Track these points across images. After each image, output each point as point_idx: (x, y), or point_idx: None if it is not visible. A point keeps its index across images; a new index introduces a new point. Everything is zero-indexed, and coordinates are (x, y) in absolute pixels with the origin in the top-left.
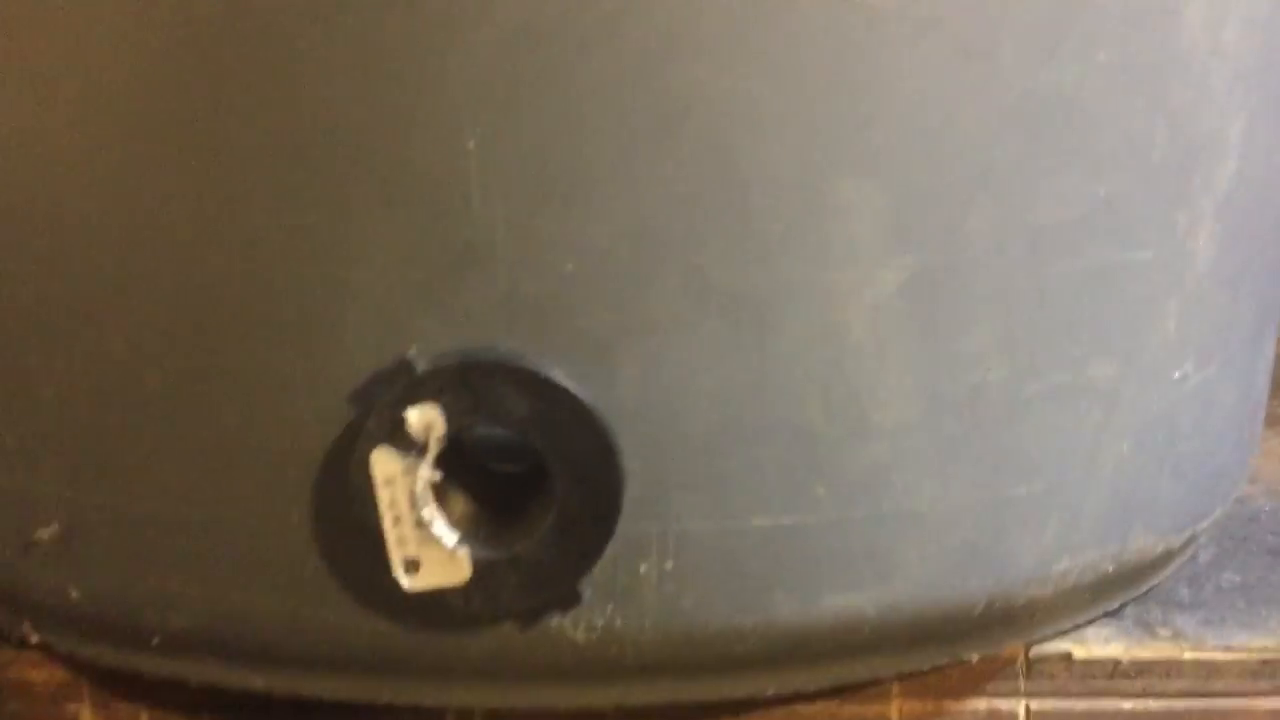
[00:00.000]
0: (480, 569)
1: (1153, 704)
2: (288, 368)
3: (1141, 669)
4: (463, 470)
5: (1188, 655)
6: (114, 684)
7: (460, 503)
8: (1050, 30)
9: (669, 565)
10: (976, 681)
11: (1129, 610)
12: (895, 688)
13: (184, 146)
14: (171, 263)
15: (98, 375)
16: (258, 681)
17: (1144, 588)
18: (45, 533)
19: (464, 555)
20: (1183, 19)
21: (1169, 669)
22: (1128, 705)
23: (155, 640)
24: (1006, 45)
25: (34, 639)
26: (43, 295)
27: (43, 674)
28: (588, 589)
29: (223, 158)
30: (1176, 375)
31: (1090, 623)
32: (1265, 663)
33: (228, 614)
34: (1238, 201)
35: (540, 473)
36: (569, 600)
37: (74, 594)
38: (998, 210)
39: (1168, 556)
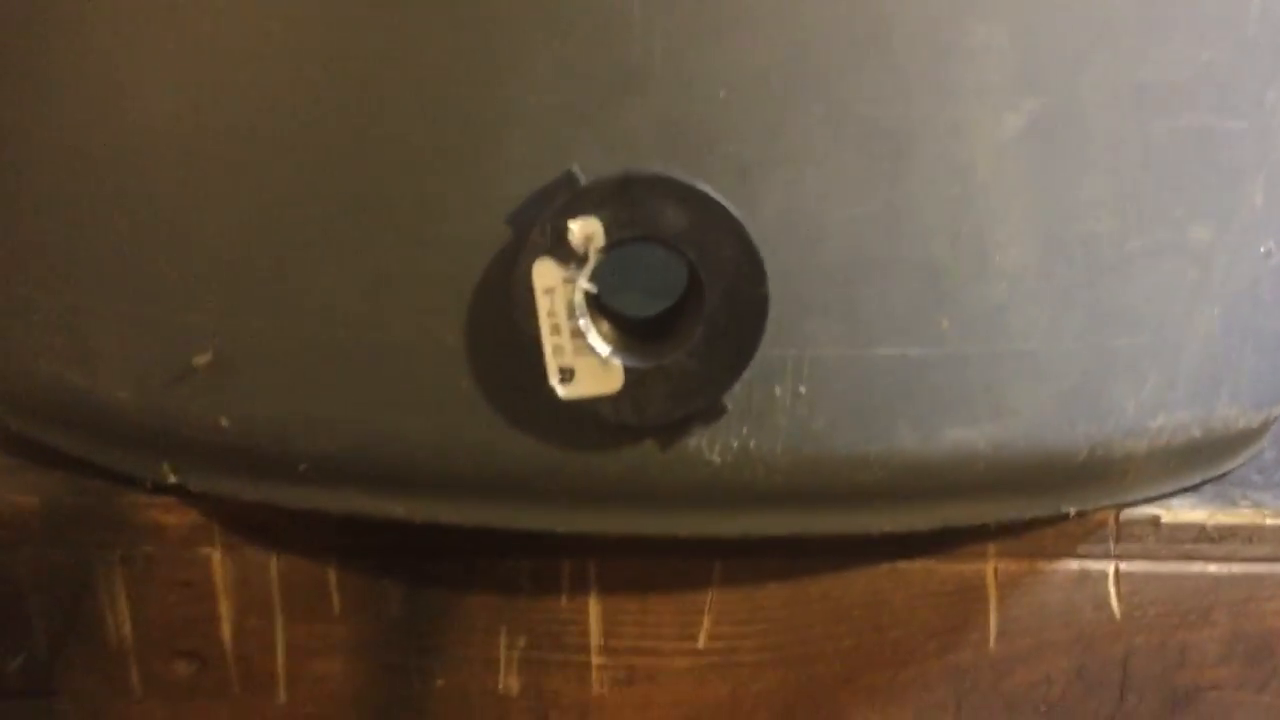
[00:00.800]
0: (631, 378)
1: (1236, 568)
2: (451, 190)
3: (1225, 534)
4: (615, 295)
5: (1269, 521)
6: (245, 529)
7: (613, 319)
8: None
9: (801, 389)
10: (1069, 543)
11: (1209, 488)
12: (992, 548)
13: None
14: (336, 88)
15: (261, 203)
16: (398, 509)
17: (1221, 469)
18: (201, 360)
19: (616, 365)
20: None
21: (1251, 534)
22: (1212, 569)
23: (302, 467)
24: None
25: (172, 479)
26: (204, 125)
27: (175, 517)
28: (730, 403)
29: None
30: (1262, 250)
31: (1176, 494)
32: None
33: (378, 437)
34: None
35: (687, 295)
36: (713, 413)
37: (224, 422)
38: (1111, 64)
39: (1245, 437)
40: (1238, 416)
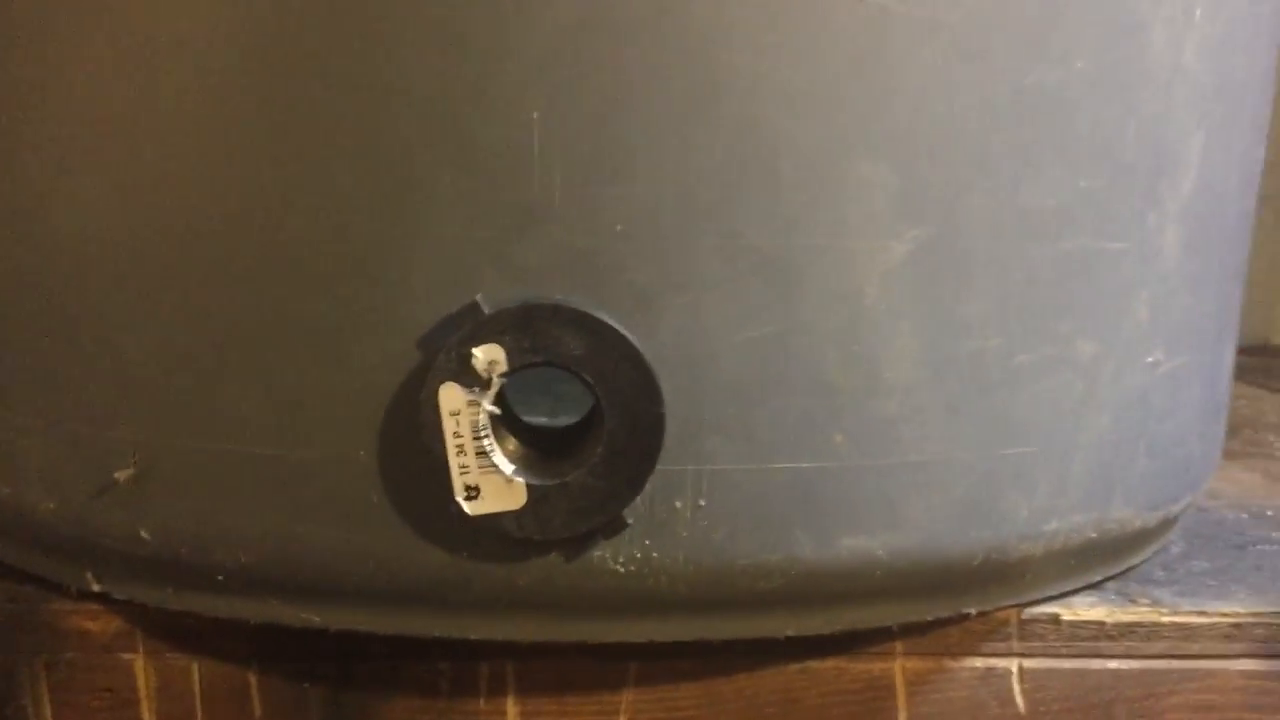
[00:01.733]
0: (535, 495)
1: (1135, 664)
2: (362, 315)
3: (1124, 631)
4: (515, 427)
5: (1166, 619)
6: (168, 634)
7: (515, 440)
8: (1035, 37)
9: (702, 502)
10: (974, 641)
11: (1110, 585)
12: (899, 646)
13: (270, 112)
14: (255, 218)
15: (180, 325)
16: (315, 617)
17: (1123, 565)
18: (122, 474)
19: (520, 483)
20: (1149, 37)
21: (1150, 632)
22: (1112, 665)
23: (221, 577)
24: (998, 48)
25: (95, 587)
26: (128, 252)
27: (99, 624)
28: (630, 518)
29: (307, 122)
30: (1149, 360)
31: (1076, 591)
32: (1236, 626)
33: (294, 549)
34: (1198, 209)
35: (585, 424)
36: (615, 527)
37: (145, 534)
38: (991, 193)
39: (1143, 536)
40: (1133, 517)
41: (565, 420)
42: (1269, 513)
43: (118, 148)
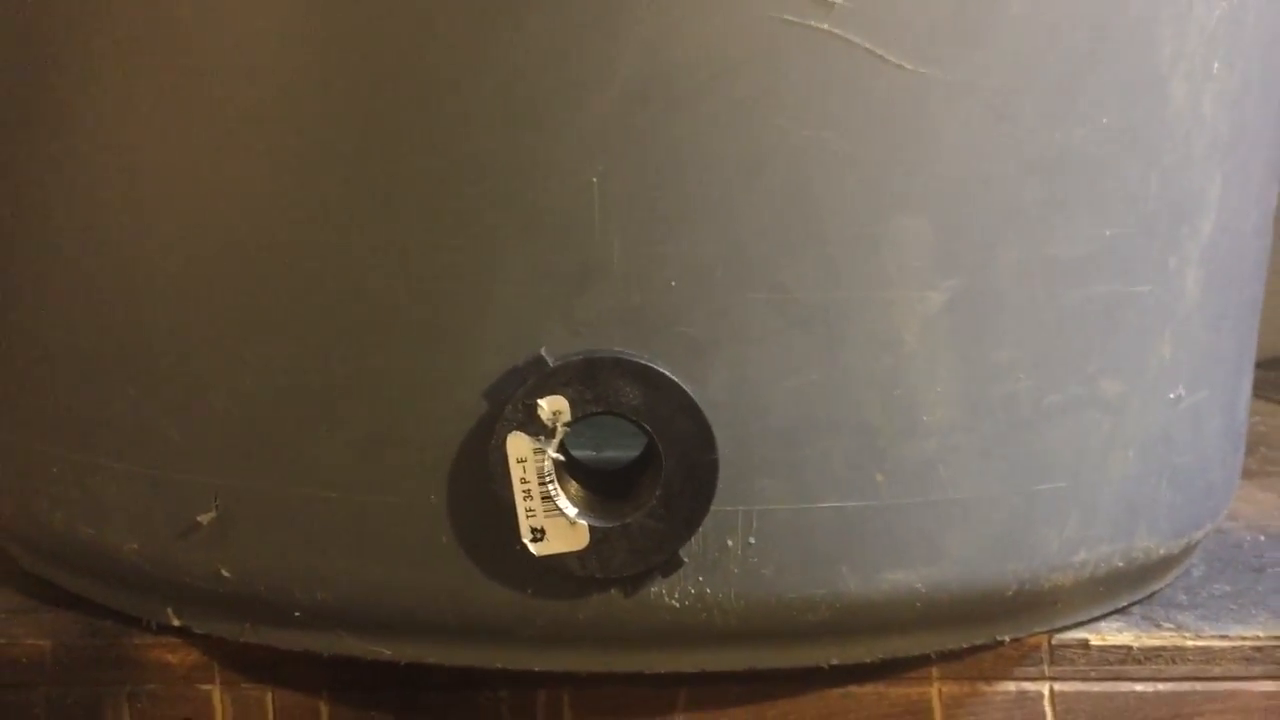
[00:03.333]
0: (596, 536)
1: (1160, 686)
2: (434, 368)
3: (1150, 655)
4: (577, 470)
5: (1189, 643)
6: (243, 666)
7: (577, 484)
8: (1062, 96)
9: (752, 540)
10: (1007, 666)
11: (1136, 610)
12: (935, 671)
13: (351, 179)
14: (334, 277)
15: (261, 375)
16: (385, 650)
17: (1148, 590)
18: (205, 518)
19: (583, 525)
20: (1169, 91)
21: (1174, 655)
22: (1139, 687)
23: (297, 614)
24: (1028, 108)
25: (175, 622)
26: (212, 305)
27: (178, 656)
28: (686, 556)
29: (385, 189)
30: (1172, 396)
31: (1104, 617)
32: (1257, 649)
33: (367, 587)
34: (1217, 251)
35: (644, 466)
36: (671, 565)
37: (225, 573)
38: (1022, 244)
39: (1167, 562)
40: (1157, 546)
41: (611, 452)
42: None
43: (208, 212)
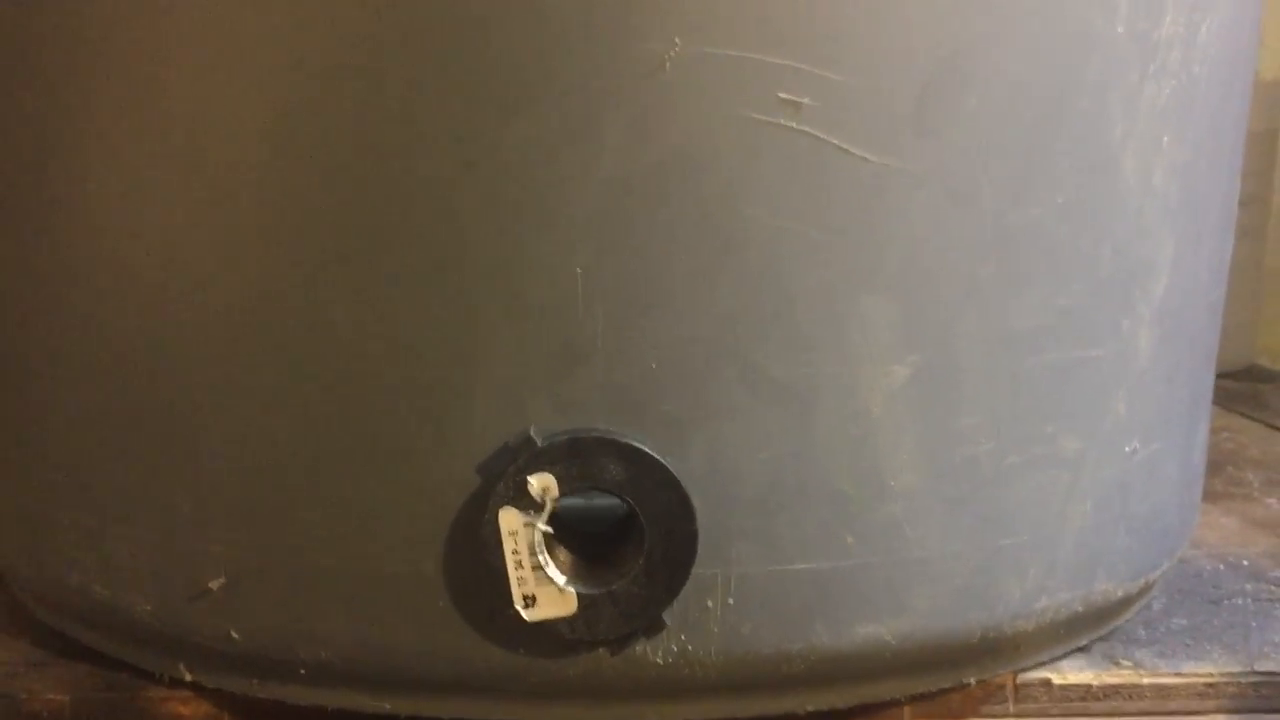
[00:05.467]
0: (584, 602)
1: None
2: (428, 444)
3: (1109, 692)
4: (566, 534)
5: (1146, 680)
6: (253, 718)
7: (566, 554)
8: (1018, 179)
9: (730, 601)
10: (974, 704)
11: (1096, 647)
12: (907, 711)
13: (351, 269)
14: (335, 359)
15: (265, 450)
16: (387, 705)
17: (1108, 628)
18: (215, 584)
19: (571, 592)
20: (1120, 167)
21: (1131, 692)
22: None
23: (302, 672)
24: (985, 192)
25: (187, 677)
26: (221, 383)
27: (190, 708)
28: (668, 619)
29: (379, 274)
30: (1128, 449)
31: (1065, 656)
32: (1210, 685)
33: (368, 648)
34: (1170, 311)
35: (628, 533)
36: (654, 628)
37: (234, 634)
38: (981, 318)
39: (1126, 602)
40: (1116, 588)
41: (601, 499)
42: (1244, 562)
43: (214, 295)
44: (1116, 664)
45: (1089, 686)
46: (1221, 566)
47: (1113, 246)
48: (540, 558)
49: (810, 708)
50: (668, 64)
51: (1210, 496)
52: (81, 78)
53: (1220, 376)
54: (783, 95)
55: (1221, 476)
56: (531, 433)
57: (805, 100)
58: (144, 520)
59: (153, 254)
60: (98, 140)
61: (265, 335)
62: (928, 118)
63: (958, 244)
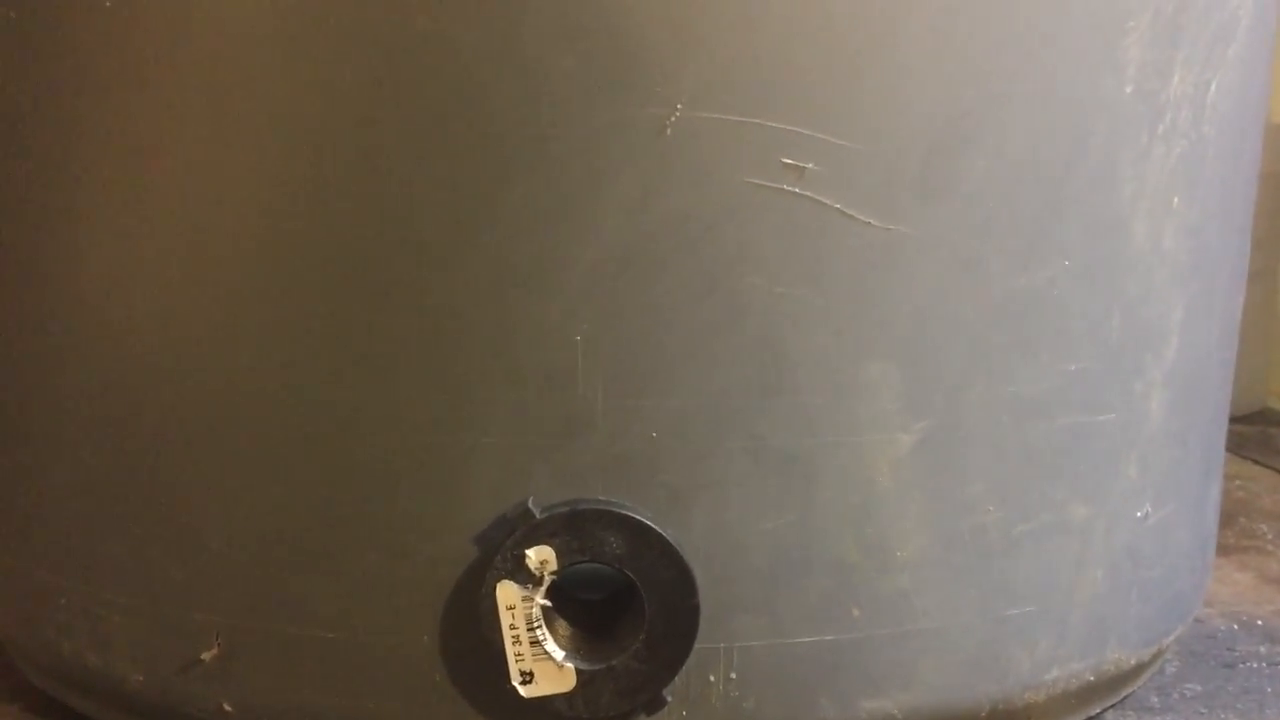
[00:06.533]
0: (583, 678)
1: None
2: (425, 515)
3: None
4: (565, 602)
5: None
6: None
7: (565, 626)
8: (1026, 243)
9: (733, 675)
10: None
11: (1109, 716)
12: None
13: (350, 340)
14: (328, 432)
15: (260, 521)
16: None
17: (1121, 695)
18: (207, 655)
19: (570, 668)
20: (1130, 229)
21: None
22: None
23: None
24: (992, 257)
25: None
26: (215, 453)
27: None
28: (669, 695)
29: (376, 344)
30: (1139, 514)
31: None
32: None
33: None
34: (1181, 372)
35: (628, 601)
36: (655, 704)
37: (226, 706)
38: (989, 385)
39: (1139, 669)
40: (1128, 656)
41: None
42: (1259, 622)
43: (210, 367)
44: None
45: None
46: (1235, 626)
47: (1123, 310)
48: (538, 632)
49: None
50: (669, 129)
51: (1223, 550)
52: (73, 157)
53: (1231, 421)
54: (785, 160)
55: (1234, 529)
56: (530, 504)
57: (808, 165)
58: (136, 589)
59: (146, 329)
60: (90, 220)
61: (259, 406)
62: (933, 181)
63: (964, 309)
